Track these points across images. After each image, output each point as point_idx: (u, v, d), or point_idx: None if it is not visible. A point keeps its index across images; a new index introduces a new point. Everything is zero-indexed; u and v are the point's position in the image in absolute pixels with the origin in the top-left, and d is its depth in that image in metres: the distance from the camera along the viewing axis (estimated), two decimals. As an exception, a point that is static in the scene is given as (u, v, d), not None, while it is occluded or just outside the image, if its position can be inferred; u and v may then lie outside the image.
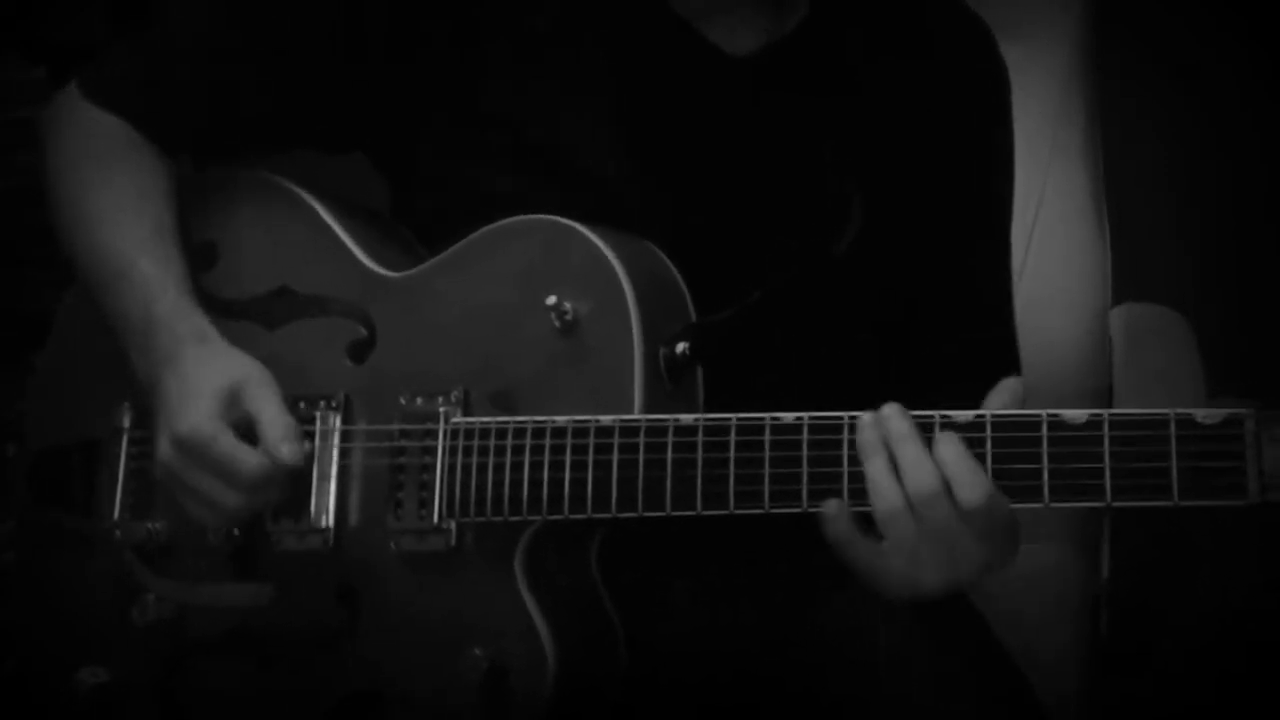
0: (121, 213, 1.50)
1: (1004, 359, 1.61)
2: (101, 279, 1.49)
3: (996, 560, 1.32)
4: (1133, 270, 2.07)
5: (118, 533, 1.52)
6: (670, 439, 1.35)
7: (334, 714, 1.46)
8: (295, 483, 1.43)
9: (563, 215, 1.42)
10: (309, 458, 1.43)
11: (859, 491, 1.32)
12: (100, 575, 1.53)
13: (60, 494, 1.58)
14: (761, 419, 1.34)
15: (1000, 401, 1.32)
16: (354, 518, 1.45)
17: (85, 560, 1.55)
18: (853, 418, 1.32)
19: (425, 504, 1.42)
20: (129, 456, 1.54)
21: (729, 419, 1.34)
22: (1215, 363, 1.98)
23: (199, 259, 1.52)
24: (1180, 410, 1.27)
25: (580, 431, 1.37)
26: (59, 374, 1.63)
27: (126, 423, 1.54)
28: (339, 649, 1.45)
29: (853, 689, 1.49)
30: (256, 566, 1.48)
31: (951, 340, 1.56)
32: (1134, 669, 1.99)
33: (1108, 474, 1.28)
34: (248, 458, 1.40)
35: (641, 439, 1.35)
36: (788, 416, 1.33)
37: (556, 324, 1.38)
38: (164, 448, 1.42)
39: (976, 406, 1.52)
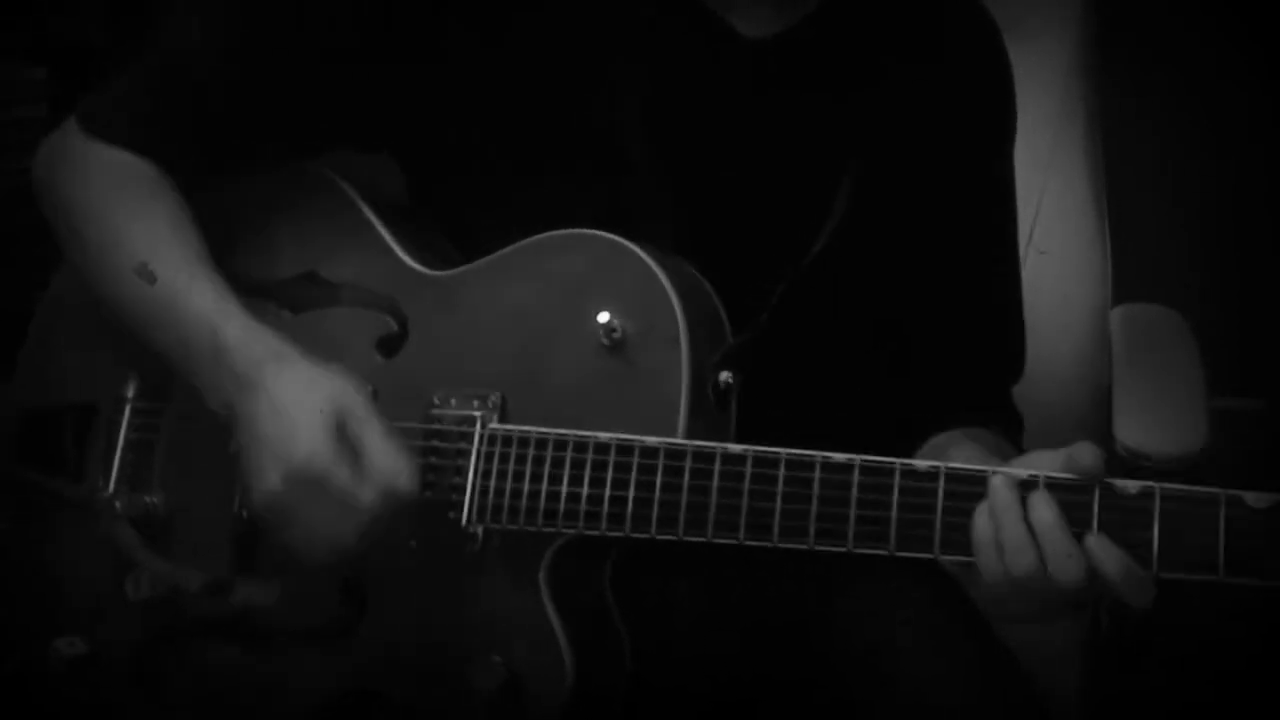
0: (160, 245, 1.46)
1: (1008, 362, 1.60)
2: (148, 314, 1.45)
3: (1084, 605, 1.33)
4: (1133, 270, 2.07)
5: (117, 504, 1.50)
6: (717, 466, 1.35)
7: (332, 710, 1.46)
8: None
9: (584, 209, 1.42)
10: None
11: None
12: (94, 545, 1.51)
13: (49, 456, 1.56)
14: (813, 457, 1.33)
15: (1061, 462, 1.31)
16: None
17: (77, 528, 1.53)
18: (905, 464, 1.31)
19: (454, 507, 1.41)
20: (130, 427, 1.53)
21: (779, 453, 1.34)
22: (1215, 363, 1.98)
23: (231, 237, 1.50)
24: (1230, 491, 1.27)
25: (624, 449, 1.36)
26: (52, 335, 1.61)
27: (131, 393, 1.53)
28: (340, 645, 1.45)
29: (857, 691, 1.49)
30: (259, 557, 1.47)
31: (956, 343, 1.57)
32: (1134, 668, 1.98)
33: (1155, 546, 1.27)
34: (365, 493, 1.35)
35: (688, 463, 1.35)
36: (839, 456, 1.33)
37: (605, 341, 1.38)
38: (272, 481, 1.36)
39: (979, 409, 1.54)
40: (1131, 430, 1.84)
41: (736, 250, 1.46)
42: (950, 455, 1.39)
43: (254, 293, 1.48)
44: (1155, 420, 1.86)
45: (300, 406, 1.36)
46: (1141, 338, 2.01)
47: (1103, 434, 1.87)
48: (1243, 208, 2.89)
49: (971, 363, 1.57)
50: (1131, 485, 1.29)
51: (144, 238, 1.47)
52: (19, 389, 1.60)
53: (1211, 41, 2.82)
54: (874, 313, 1.54)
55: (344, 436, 1.36)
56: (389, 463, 1.35)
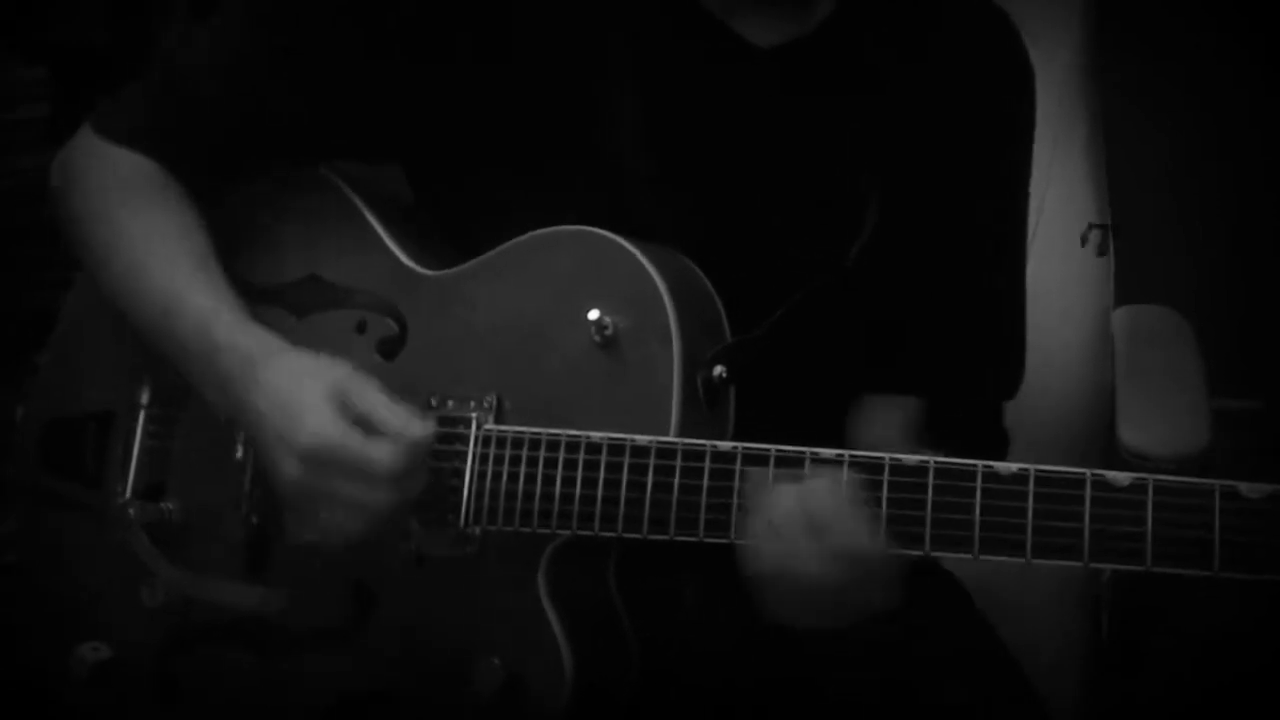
0: (160, 253, 1.47)
1: (1004, 379, 1.59)
2: (150, 320, 1.46)
3: (875, 603, 1.33)
4: (1134, 271, 2.07)
5: (131, 511, 1.50)
6: (707, 464, 1.34)
7: (338, 711, 1.46)
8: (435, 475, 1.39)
9: (588, 218, 1.41)
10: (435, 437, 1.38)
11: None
12: (110, 552, 1.51)
13: (71, 464, 1.56)
14: (802, 452, 1.33)
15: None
16: None
17: (94, 535, 1.53)
18: (894, 459, 1.31)
19: (452, 509, 1.41)
20: (146, 434, 1.53)
21: (768, 449, 1.34)
22: (1215, 363, 1.98)
23: (234, 242, 1.51)
24: (1225, 482, 1.26)
25: (615, 449, 1.36)
26: (74, 344, 1.61)
27: (145, 399, 1.53)
28: (348, 647, 1.45)
29: (859, 691, 1.48)
30: (269, 562, 1.48)
31: (959, 357, 1.56)
32: (1134, 669, 1.99)
33: (1149, 539, 1.26)
34: (382, 451, 1.34)
35: (678, 462, 1.35)
36: (827, 452, 1.33)
37: (596, 338, 1.38)
38: (290, 468, 1.36)
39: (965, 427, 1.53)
40: (1134, 431, 1.84)
41: (750, 258, 1.46)
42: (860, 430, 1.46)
43: (260, 298, 1.49)
44: (1157, 421, 1.87)
45: (299, 393, 1.37)
46: (1143, 339, 2.01)
47: (1105, 435, 1.87)
48: (1243, 208, 2.89)
49: (968, 378, 1.57)
50: (1123, 477, 1.28)
51: (142, 239, 1.47)
52: (41, 396, 1.60)
53: (1212, 42, 2.82)
54: (885, 324, 1.53)
55: (349, 410, 1.36)
56: (398, 417, 1.35)
